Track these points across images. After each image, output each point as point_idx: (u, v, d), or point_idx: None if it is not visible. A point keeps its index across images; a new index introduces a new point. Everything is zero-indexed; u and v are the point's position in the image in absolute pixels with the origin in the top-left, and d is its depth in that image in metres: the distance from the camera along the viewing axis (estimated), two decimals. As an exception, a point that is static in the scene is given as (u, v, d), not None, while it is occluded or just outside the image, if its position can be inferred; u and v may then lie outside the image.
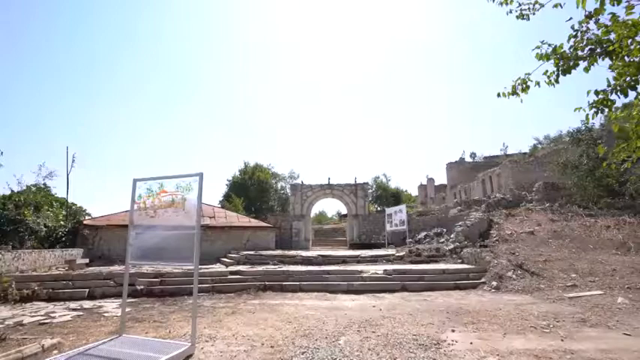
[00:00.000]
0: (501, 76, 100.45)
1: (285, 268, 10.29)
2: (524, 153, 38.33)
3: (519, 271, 8.71)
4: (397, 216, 15.63)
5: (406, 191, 50.76)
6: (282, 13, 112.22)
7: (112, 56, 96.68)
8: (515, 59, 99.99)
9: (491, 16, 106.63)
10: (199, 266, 10.52)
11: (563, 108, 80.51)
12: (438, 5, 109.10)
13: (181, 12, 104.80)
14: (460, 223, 13.38)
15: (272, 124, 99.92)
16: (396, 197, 42.16)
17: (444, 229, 18.73)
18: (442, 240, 17.54)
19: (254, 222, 17.76)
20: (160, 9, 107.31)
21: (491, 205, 19.15)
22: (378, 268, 9.97)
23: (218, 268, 10.69)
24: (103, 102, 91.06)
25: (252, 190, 34.35)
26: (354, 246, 18.37)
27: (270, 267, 10.62)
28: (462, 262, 11.16)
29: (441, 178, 48.46)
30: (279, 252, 14.17)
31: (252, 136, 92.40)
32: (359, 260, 11.90)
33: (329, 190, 19.74)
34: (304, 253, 12.79)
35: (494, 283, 8.21)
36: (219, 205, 32.43)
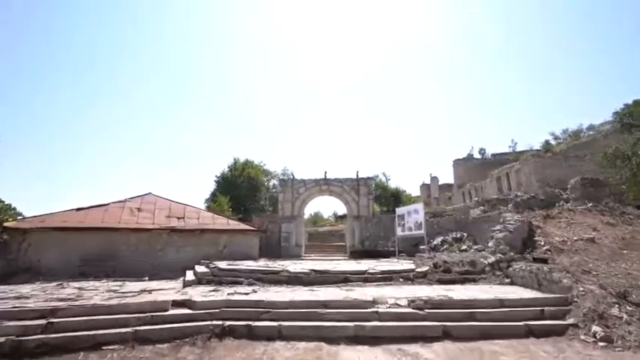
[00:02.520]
0: (503, 73, 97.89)
1: (261, 294, 7.02)
2: (537, 149, 35.32)
3: (629, 307, 5.51)
4: (411, 217, 12.41)
5: (405, 192, 47.44)
6: (282, 11, 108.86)
7: (110, 55, 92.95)
8: (518, 55, 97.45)
9: (492, 14, 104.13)
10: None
11: (569, 104, 77.97)
12: (438, 4, 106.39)
13: (181, 11, 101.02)
14: (498, 228, 10.20)
15: (269, 122, 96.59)
16: (395, 197, 39.08)
17: (465, 234, 15.58)
18: (464, 247, 14.36)
19: (233, 224, 14.46)
20: (159, 8, 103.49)
21: (520, 204, 15.99)
22: (398, 295, 6.74)
23: (163, 292, 7.35)
24: (102, 101, 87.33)
25: (241, 188, 31.08)
26: (355, 254, 15.11)
27: (241, 291, 7.31)
28: (512, 284, 7.97)
29: (444, 178, 45.49)
30: (261, 263, 10.90)
31: (251, 134, 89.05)
32: (366, 278, 8.65)
33: (325, 186, 16.46)
34: (292, 267, 9.53)
35: (597, 330, 4.99)
36: (205, 205, 29.17)
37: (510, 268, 8.27)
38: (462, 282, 8.38)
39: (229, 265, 10.17)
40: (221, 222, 14.41)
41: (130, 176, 76.39)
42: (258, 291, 7.44)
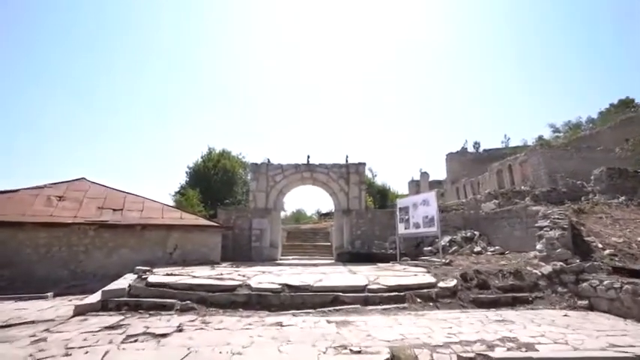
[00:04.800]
0: (492, 71, 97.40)
1: (187, 337, 3.94)
2: (528, 146, 33.38)
3: None
4: (419, 211, 9.52)
5: (390, 188, 44.96)
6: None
7: (109, 58, 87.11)
8: (508, 53, 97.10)
9: (491, 10, 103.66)
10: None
11: (560, 101, 77.79)
12: (436, 2, 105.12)
13: (181, 9, 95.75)
14: (547, 224, 7.41)
15: (264, 117, 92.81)
16: (382, 195, 36.70)
17: (476, 232, 12.90)
18: (477, 248, 11.65)
19: (188, 218, 11.25)
20: (159, 5, 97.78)
21: (539, 197, 13.46)
22: (429, 336, 3.84)
23: (9, 336, 4.14)
24: (101, 98, 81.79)
25: (216, 181, 27.70)
26: (343, 257, 12.18)
27: (157, 329, 4.21)
28: (591, 308, 5.20)
29: (433, 174, 43.27)
30: (215, 272, 7.76)
31: (235, 127, 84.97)
32: (367, 299, 5.70)
33: (308, 172, 13.38)
34: (257, 280, 6.49)
35: None
36: (173, 199, 25.64)
37: (584, 284, 5.48)
38: (511, 304, 5.55)
39: (167, 276, 7.03)
40: (172, 216, 11.16)
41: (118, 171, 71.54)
42: (188, 328, 4.35)
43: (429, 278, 6.56)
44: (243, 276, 7.15)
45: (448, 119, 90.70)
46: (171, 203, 23.65)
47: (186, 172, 29.34)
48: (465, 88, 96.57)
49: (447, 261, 8.50)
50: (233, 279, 6.74)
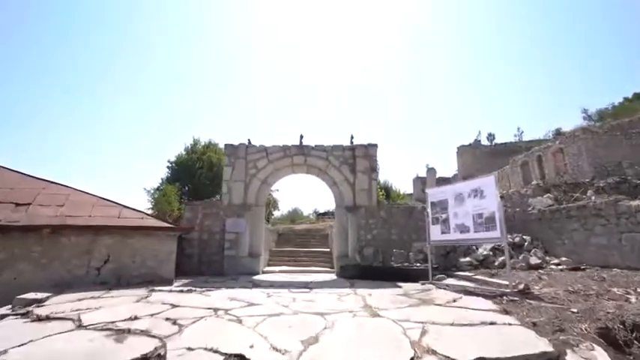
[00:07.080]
0: (484, 70, 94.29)
1: None
2: (546, 140, 30.19)
3: None
4: (467, 205, 6.20)
5: (392, 187, 41.28)
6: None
7: (110, 53, 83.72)
8: (514, 47, 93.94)
9: (494, 9, 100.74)
10: None
11: (570, 96, 74.76)
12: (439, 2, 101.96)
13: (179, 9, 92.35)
14: None
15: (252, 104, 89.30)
16: (385, 192, 33.56)
17: (526, 237, 9.69)
18: (534, 260, 8.34)
19: (129, 217, 7.91)
20: (160, 10, 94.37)
21: (605, 190, 10.32)
22: None
23: None
24: (102, 95, 78.49)
25: (201, 176, 24.25)
26: (348, 271, 8.86)
27: None
28: None
29: (439, 171, 40.13)
30: (127, 315, 4.47)
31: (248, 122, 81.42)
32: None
33: (300, 157, 10.07)
34: (186, 341, 3.20)
35: None
36: (149, 197, 22.28)
37: None
38: None
39: (33, 322, 3.73)
40: (106, 213, 7.83)
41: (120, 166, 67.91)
42: None
43: (530, 337, 3.26)
44: (174, 323, 3.88)
45: (452, 115, 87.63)
46: (148, 202, 20.44)
47: (168, 167, 25.80)
48: (471, 81, 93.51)
49: (522, 287, 5.20)
50: (147, 332, 3.48)
